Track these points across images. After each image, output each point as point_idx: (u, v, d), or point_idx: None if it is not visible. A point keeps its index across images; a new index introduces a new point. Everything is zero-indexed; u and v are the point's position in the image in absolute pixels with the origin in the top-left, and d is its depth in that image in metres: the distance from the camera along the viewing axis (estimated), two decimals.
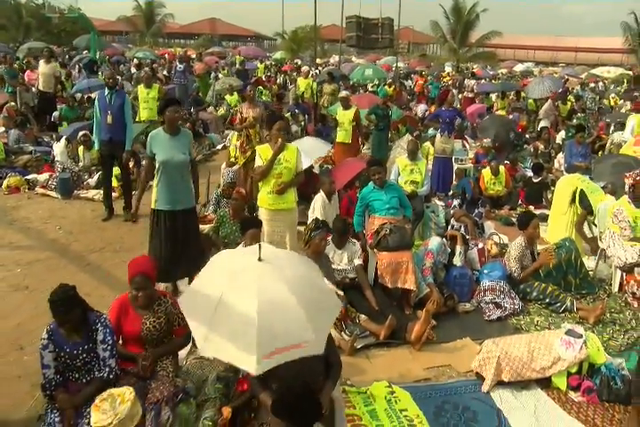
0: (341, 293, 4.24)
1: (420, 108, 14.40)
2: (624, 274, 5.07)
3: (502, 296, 4.76)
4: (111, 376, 3.01)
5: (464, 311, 4.75)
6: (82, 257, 5.68)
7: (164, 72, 18.43)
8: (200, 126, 11.70)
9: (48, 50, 12.59)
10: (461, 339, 4.30)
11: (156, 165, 4.35)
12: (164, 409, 3.10)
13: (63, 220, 6.78)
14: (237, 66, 20.96)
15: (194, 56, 21.51)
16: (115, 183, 7.17)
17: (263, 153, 4.67)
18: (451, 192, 7.99)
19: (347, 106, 8.37)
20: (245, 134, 7.00)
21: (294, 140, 7.54)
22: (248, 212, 5.92)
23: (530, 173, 8.47)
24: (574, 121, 11.95)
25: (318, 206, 5.52)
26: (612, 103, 18.17)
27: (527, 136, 12.66)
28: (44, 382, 2.99)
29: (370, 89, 17.11)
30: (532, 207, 7.70)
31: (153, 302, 3.35)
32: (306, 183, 5.65)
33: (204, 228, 5.45)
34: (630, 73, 25.66)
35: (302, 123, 11.58)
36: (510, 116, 13.39)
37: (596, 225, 5.77)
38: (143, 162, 8.43)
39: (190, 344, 3.62)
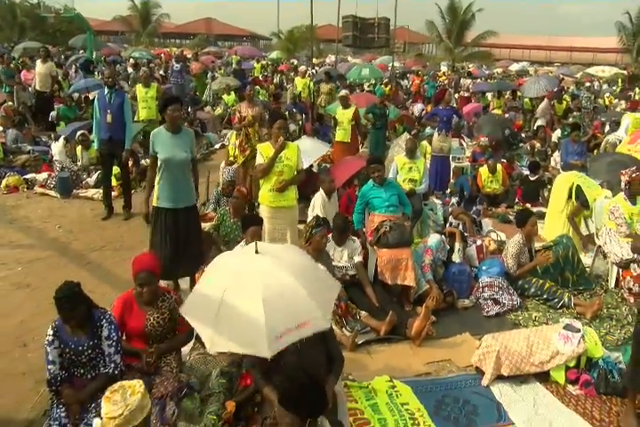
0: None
1: (417, 108, 14.47)
2: (620, 270, 5.14)
3: (501, 292, 4.81)
4: (116, 372, 3.05)
5: (463, 307, 4.81)
6: (82, 255, 5.71)
7: (161, 72, 18.42)
8: (198, 126, 11.73)
9: (44, 49, 12.56)
10: (461, 334, 4.36)
11: (158, 164, 4.38)
12: (168, 404, 3.15)
13: (63, 219, 6.80)
14: (234, 65, 20.99)
15: (189, 56, 21.47)
16: (114, 182, 7.19)
17: (264, 151, 4.72)
18: (448, 190, 8.06)
19: (346, 105, 8.42)
20: (244, 133, 7.04)
21: (292, 139, 7.57)
22: (248, 210, 5.96)
23: (526, 172, 8.53)
24: (570, 120, 12.03)
25: (318, 205, 5.56)
26: (607, 102, 18.30)
27: (523, 135, 12.74)
28: (49, 378, 3.02)
29: (366, 89, 17.16)
30: (528, 205, 7.74)
31: (157, 299, 3.39)
32: (305, 182, 5.69)
33: (205, 226, 5.49)
34: (624, 72, 25.82)
35: (300, 122, 11.61)
36: (506, 115, 13.48)
37: (592, 221, 5.83)
38: (142, 161, 8.53)
39: (193, 340, 3.66)
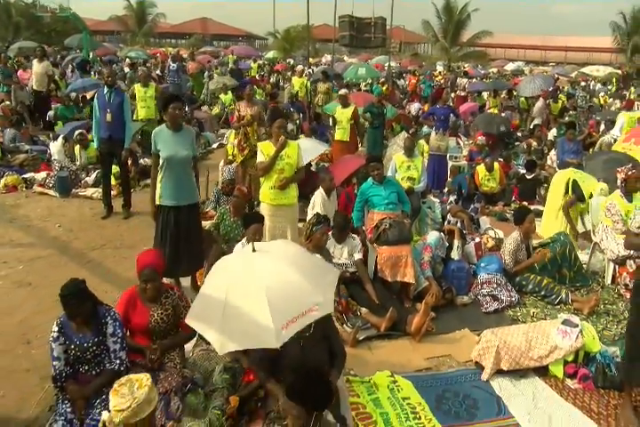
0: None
1: (414, 107, 14.52)
2: (616, 266, 5.21)
3: (499, 289, 4.86)
4: (122, 368, 3.08)
5: (462, 304, 4.85)
6: (83, 254, 5.73)
7: (157, 71, 18.42)
8: (195, 125, 11.71)
9: (40, 49, 12.54)
10: (460, 330, 4.40)
11: (160, 162, 4.40)
12: (173, 399, 3.19)
13: (62, 218, 6.81)
14: (231, 65, 20.99)
15: (185, 55, 21.47)
16: (113, 181, 7.20)
17: (265, 149, 4.76)
18: (445, 189, 8.11)
19: (345, 104, 8.45)
20: (243, 132, 7.06)
21: (290, 139, 7.59)
22: (248, 210, 5.99)
23: (523, 170, 8.59)
24: (566, 119, 12.12)
25: (318, 203, 5.59)
26: (602, 102, 18.42)
27: (519, 134, 12.82)
28: (54, 374, 3.05)
29: (363, 88, 17.20)
30: (525, 203, 7.80)
31: (160, 295, 3.42)
32: (304, 181, 5.72)
33: (205, 224, 5.52)
34: (619, 72, 25.97)
35: (297, 121, 11.65)
36: (503, 115, 13.54)
37: (589, 218, 5.89)
38: (141, 160, 8.54)
39: (196, 337, 3.69)
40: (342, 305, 4.36)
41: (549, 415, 3.39)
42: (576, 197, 5.81)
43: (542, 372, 3.80)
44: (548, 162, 9.48)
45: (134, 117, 8.70)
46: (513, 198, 8.11)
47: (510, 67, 33.84)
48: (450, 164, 8.84)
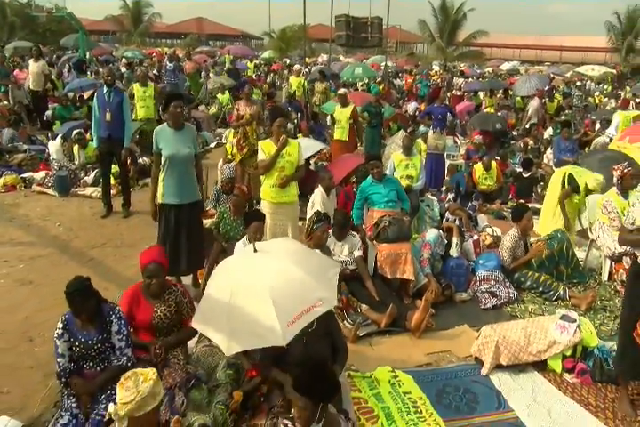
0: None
1: (411, 106, 14.57)
2: (613, 263, 5.27)
3: (497, 285, 4.92)
4: (129, 364, 3.10)
5: (461, 300, 4.91)
6: (83, 253, 5.75)
7: (154, 71, 18.40)
8: (193, 124, 11.72)
9: (36, 48, 12.51)
10: (459, 326, 4.46)
11: (162, 160, 4.43)
12: (177, 394, 3.22)
13: (62, 217, 6.82)
14: (228, 65, 21.00)
15: (181, 55, 21.46)
16: (112, 180, 7.22)
17: (266, 147, 4.80)
18: (443, 187, 8.16)
19: (344, 103, 8.48)
20: (242, 132, 7.07)
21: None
22: (248, 208, 6.01)
23: (519, 169, 8.65)
24: (562, 118, 12.20)
25: (318, 201, 5.63)
26: (597, 101, 18.53)
27: (515, 133, 12.89)
28: (58, 371, 3.07)
29: (359, 88, 17.24)
30: (522, 202, 7.87)
31: (164, 291, 3.44)
32: (303, 180, 5.75)
33: (206, 222, 5.54)
34: (614, 71, 26.12)
35: (295, 120, 11.67)
36: (499, 114, 13.61)
37: (586, 216, 5.95)
38: (139, 160, 8.55)
39: (199, 333, 3.72)
40: (343, 302, 4.40)
41: (548, 409, 3.44)
42: (571, 188, 5.87)
43: (541, 366, 3.85)
44: (545, 160, 9.54)
45: (133, 117, 8.71)
46: (510, 197, 8.17)
47: (506, 66, 33.98)
48: (447, 162, 8.89)
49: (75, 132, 8.77)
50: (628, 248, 4.93)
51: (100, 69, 15.36)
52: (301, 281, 2.74)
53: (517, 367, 3.83)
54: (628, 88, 20.60)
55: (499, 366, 3.83)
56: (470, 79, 21.87)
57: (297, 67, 16.15)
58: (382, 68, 22.32)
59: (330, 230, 4.67)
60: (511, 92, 15.96)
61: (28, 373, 3.67)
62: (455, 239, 5.21)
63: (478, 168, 7.99)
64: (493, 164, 8.06)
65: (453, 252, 5.17)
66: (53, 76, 13.66)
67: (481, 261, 5.19)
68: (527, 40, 49.19)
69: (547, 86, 15.48)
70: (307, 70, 19.04)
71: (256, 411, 3.23)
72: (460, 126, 12.70)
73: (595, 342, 3.89)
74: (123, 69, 17.42)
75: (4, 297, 4.72)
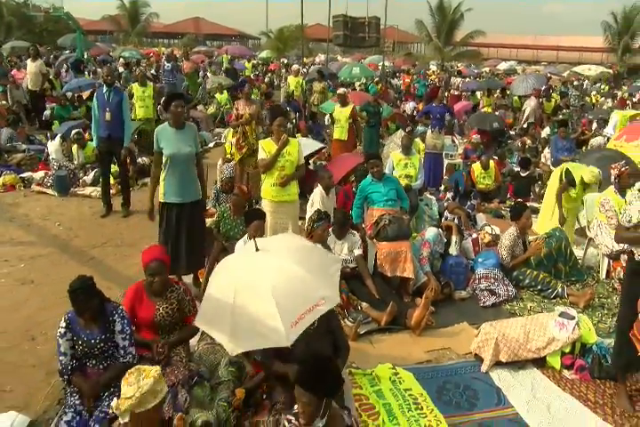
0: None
1: (409, 106, 14.62)
2: (611, 261, 5.32)
3: (496, 284, 4.95)
4: (134, 361, 3.12)
5: (460, 298, 4.94)
6: (83, 252, 5.76)
7: (152, 71, 18.40)
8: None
9: (34, 48, 12.50)
10: (459, 324, 4.49)
11: (163, 160, 4.45)
12: (180, 392, 3.24)
13: (62, 216, 6.84)
14: (226, 65, 21.00)
15: (179, 55, 21.46)
16: (111, 180, 7.22)
17: (266, 146, 4.82)
18: (442, 187, 8.20)
19: (344, 103, 8.50)
20: (242, 131, 7.10)
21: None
22: (248, 208, 6.02)
23: (517, 168, 8.70)
24: (560, 117, 12.25)
25: (317, 200, 5.65)
26: (594, 100, 18.61)
27: (512, 132, 12.94)
28: (61, 368, 3.09)
29: (357, 88, 17.28)
30: (520, 201, 7.90)
31: (166, 289, 3.46)
32: (302, 180, 5.77)
33: (206, 222, 5.55)
34: (610, 71, 26.23)
35: (294, 120, 11.70)
36: (496, 113, 13.66)
37: (584, 214, 5.99)
38: (139, 159, 8.56)
39: (200, 331, 3.74)
40: (343, 300, 4.41)
41: (548, 405, 3.48)
42: (567, 181, 5.91)
43: (540, 363, 3.89)
44: (542, 160, 9.59)
45: (132, 117, 8.72)
46: (508, 196, 8.21)
47: (503, 66, 34.08)
48: (446, 162, 8.93)
49: (74, 131, 8.78)
50: (626, 246, 4.98)
51: (98, 69, 15.35)
52: (303, 280, 2.75)
53: (517, 364, 3.87)
54: (624, 88, 20.70)
55: (498, 363, 3.86)
56: (468, 79, 21.93)
57: (295, 66, 16.17)
58: (380, 67, 22.37)
59: (330, 229, 4.71)
60: (508, 92, 16.02)
61: (31, 371, 3.69)
62: (454, 238, 5.25)
63: (476, 167, 8.03)
64: (491, 163, 8.10)
65: (452, 250, 5.21)
66: (51, 76, 13.65)
67: (480, 260, 5.22)
68: (524, 40, 49.29)
69: (544, 86, 15.53)
70: (305, 70, 19.07)
71: (258, 408, 3.25)
72: (457, 126, 12.75)
73: (593, 338, 3.93)
74: (120, 69, 17.41)
75: (6, 296, 4.73)
